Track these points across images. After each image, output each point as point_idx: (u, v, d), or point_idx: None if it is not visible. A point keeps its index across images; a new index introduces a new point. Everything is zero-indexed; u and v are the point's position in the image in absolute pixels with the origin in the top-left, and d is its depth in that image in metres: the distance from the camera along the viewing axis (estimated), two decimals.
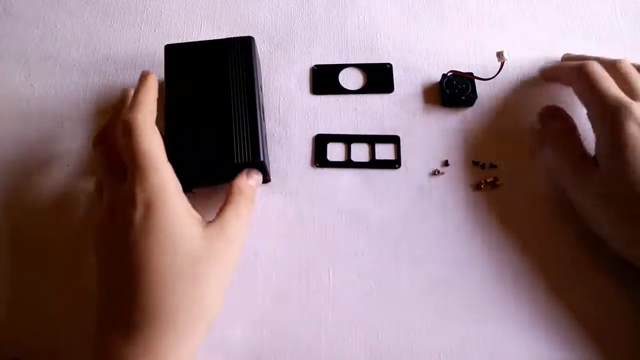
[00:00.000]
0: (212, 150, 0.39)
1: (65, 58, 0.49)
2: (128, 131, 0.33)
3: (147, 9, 0.51)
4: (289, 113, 0.46)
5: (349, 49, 0.49)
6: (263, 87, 0.47)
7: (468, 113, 0.46)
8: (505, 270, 0.40)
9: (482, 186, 0.42)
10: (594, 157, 0.38)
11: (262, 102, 0.45)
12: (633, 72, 0.40)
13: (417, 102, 0.46)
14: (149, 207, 0.31)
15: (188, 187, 0.43)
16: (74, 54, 0.49)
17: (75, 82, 0.48)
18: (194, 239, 0.32)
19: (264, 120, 0.44)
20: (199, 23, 0.51)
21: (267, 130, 0.45)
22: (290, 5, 0.51)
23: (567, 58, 0.46)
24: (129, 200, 0.31)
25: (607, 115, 0.37)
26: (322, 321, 0.38)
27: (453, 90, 0.45)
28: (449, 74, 0.46)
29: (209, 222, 0.34)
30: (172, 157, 0.39)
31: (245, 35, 0.44)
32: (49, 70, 0.48)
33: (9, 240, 0.41)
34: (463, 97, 0.45)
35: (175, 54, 0.43)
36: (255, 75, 0.42)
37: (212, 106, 0.41)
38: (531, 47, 0.49)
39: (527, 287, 0.39)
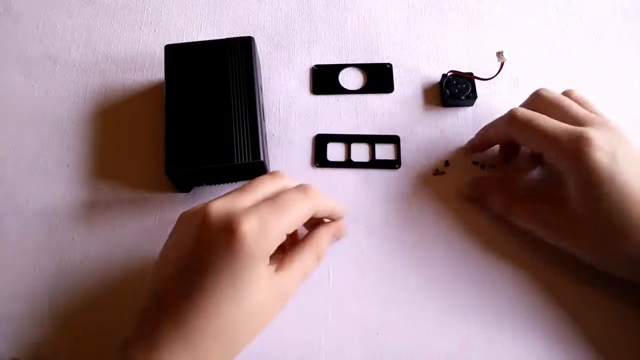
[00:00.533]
0: (212, 150, 0.39)
1: (65, 58, 0.49)
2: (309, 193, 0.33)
3: (147, 9, 0.51)
4: (289, 113, 0.46)
5: (349, 49, 0.49)
6: (263, 87, 0.47)
7: (468, 113, 0.46)
8: (505, 271, 0.39)
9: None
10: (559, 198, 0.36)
11: (262, 102, 0.45)
12: (560, 99, 0.38)
13: (417, 102, 0.46)
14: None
15: (188, 187, 0.43)
16: (74, 54, 0.49)
17: (75, 82, 0.48)
18: (263, 295, 0.30)
19: (264, 120, 0.44)
20: (199, 23, 0.51)
21: (267, 130, 0.45)
22: (290, 5, 0.51)
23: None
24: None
25: (567, 154, 0.34)
26: (322, 321, 0.38)
27: (453, 90, 0.45)
28: (449, 74, 0.46)
29: (276, 271, 0.32)
30: (172, 157, 0.39)
31: (245, 35, 0.44)
32: (49, 70, 0.48)
33: (12, 239, 0.41)
34: (463, 97, 0.45)
35: (175, 54, 0.43)
36: (255, 75, 0.42)
37: (212, 106, 0.41)
38: (531, 47, 0.49)
39: (528, 288, 0.39)
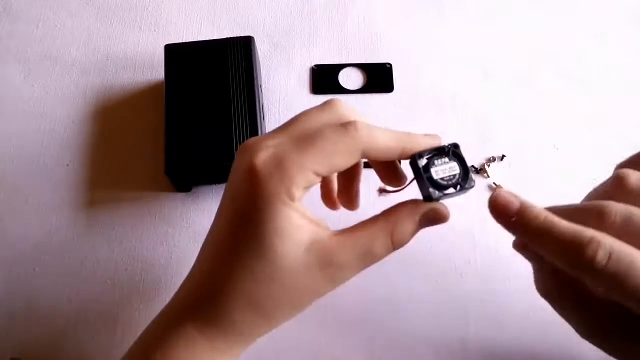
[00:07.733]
0: (212, 150, 0.39)
1: (65, 58, 0.49)
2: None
3: (147, 9, 0.51)
4: (289, 113, 0.46)
5: (349, 49, 0.49)
6: (263, 87, 0.47)
7: (468, 114, 0.46)
8: (505, 272, 0.40)
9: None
10: None
11: (262, 102, 0.45)
12: None
13: (417, 102, 0.46)
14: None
15: (188, 186, 0.43)
16: (74, 54, 0.49)
17: (75, 82, 0.48)
18: (295, 251, 0.26)
19: (264, 120, 0.44)
20: (199, 23, 0.50)
21: (267, 130, 0.45)
22: (290, 5, 0.51)
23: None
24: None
25: None
26: (321, 322, 0.38)
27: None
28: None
29: (328, 235, 0.26)
30: (172, 157, 0.39)
31: (245, 35, 0.44)
32: (49, 70, 0.48)
33: (12, 239, 0.41)
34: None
35: (175, 54, 0.43)
36: (255, 75, 0.42)
37: (212, 106, 0.41)
38: (531, 47, 0.49)
39: (528, 289, 0.39)
